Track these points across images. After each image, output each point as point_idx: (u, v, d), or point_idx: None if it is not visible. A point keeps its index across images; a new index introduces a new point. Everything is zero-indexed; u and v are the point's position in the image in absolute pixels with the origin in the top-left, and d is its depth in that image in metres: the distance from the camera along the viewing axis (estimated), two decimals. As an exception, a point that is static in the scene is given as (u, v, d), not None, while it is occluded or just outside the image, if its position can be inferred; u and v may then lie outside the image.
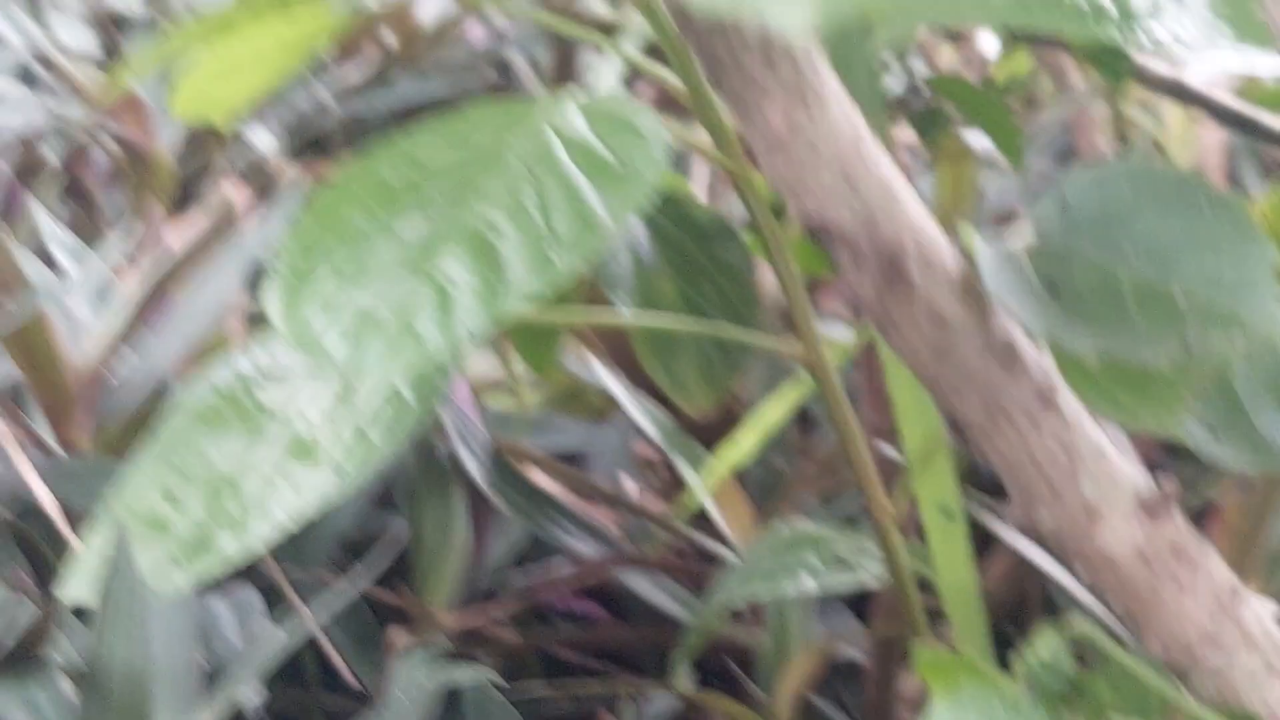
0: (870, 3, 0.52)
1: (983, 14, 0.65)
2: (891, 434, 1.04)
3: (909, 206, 0.51)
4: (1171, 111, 1.44)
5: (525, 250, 0.66)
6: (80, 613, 0.87)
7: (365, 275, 0.67)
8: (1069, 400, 0.54)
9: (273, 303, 0.66)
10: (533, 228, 0.66)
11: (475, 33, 1.73)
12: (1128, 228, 0.54)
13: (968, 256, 0.53)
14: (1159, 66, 1.19)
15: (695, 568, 1.05)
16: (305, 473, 0.77)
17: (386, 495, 1.12)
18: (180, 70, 1.42)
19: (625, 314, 0.91)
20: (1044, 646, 0.62)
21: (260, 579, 0.97)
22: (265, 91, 0.92)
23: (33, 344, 0.90)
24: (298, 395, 0.80)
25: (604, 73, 1.62)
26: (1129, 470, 0.54)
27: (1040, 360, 0.53)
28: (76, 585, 0.77)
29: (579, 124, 0.73)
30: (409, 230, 0.68)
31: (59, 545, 0.92)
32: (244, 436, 0.79)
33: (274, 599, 0.95)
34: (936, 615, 0.96)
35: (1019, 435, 0.53)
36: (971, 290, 0.52)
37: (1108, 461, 0.54)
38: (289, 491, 0.76)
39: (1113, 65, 0.89)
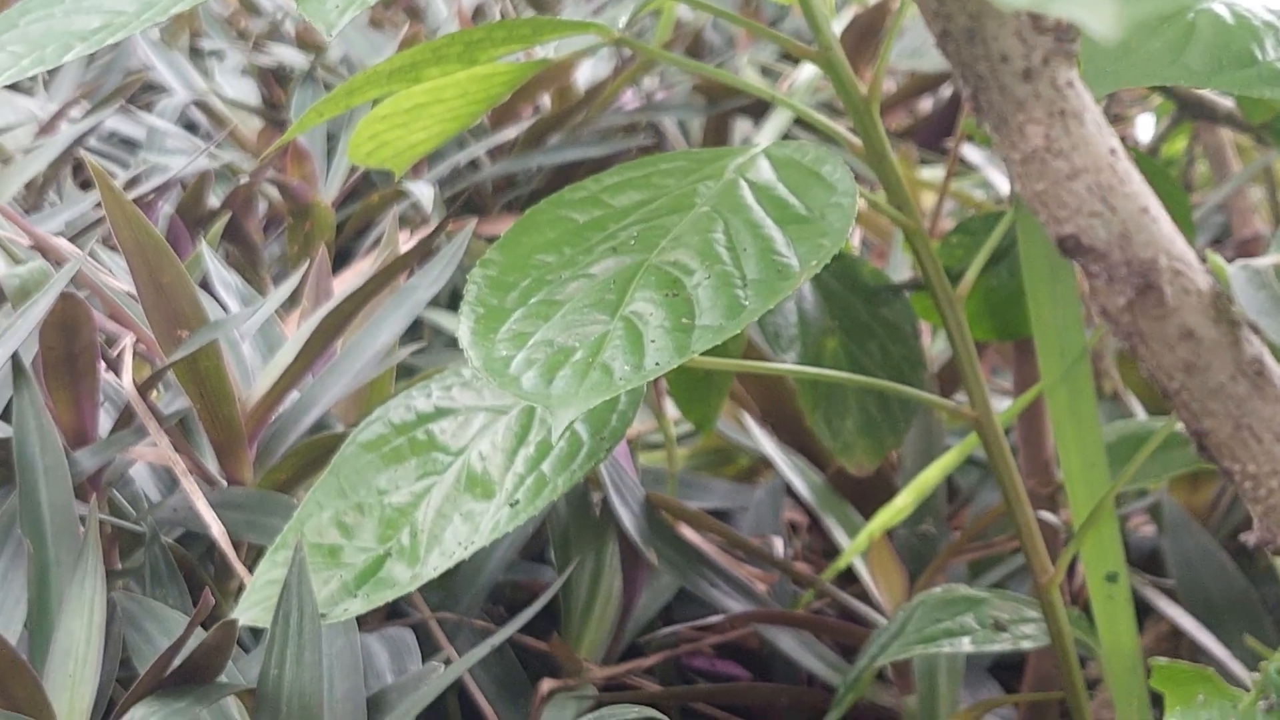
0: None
1: (1185, 76, 0.65)
2: (1050, 500, 1.04)
3: (1162, 224, 0.51)
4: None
5: (714, 290, 0.66)
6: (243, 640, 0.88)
7: (555, 310, 0.67)
8: (1314, 421, 0.54)
9: (465, 334, 0.67)
10: (722, 269, 0.67)
11: (628, 98, 1.74)
12: None
13: (1217, 276, 0.53)
14: (1327, 146, 1.19)
15: (843, 629, 1.04)
16: (477, 505, 0.78)
17: (535, 545, 1.13)
18: (349, 120, 1.44)
19: (800, 369, 0.92)
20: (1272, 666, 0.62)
21: (413, 621, 0.98)
22: (442, 140, 0.93)
23: (206, 377, 0.91)
24: (473, 431, 0.81)
25: (762, 140, 1.63)
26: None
27: (1289, 379, 0.54)
28: (251, 610, 0.78)
29: (767, 171, 0.74)
30: (599, 268, 0.69)
31: (224, 572, 0.94)
32: (418, 470, 0.81)
33: (425, 641, 0.95)
34: (1092, 684, 0.96)
35: (1265, 452, 0.53)
36: (1223, 309, 0.52)
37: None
38: (460, 522, 0.77)
39: (1292, 139, 0.89)
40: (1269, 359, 0.53)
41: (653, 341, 0.65)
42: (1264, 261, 0.55)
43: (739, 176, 0.74)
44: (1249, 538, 0.55)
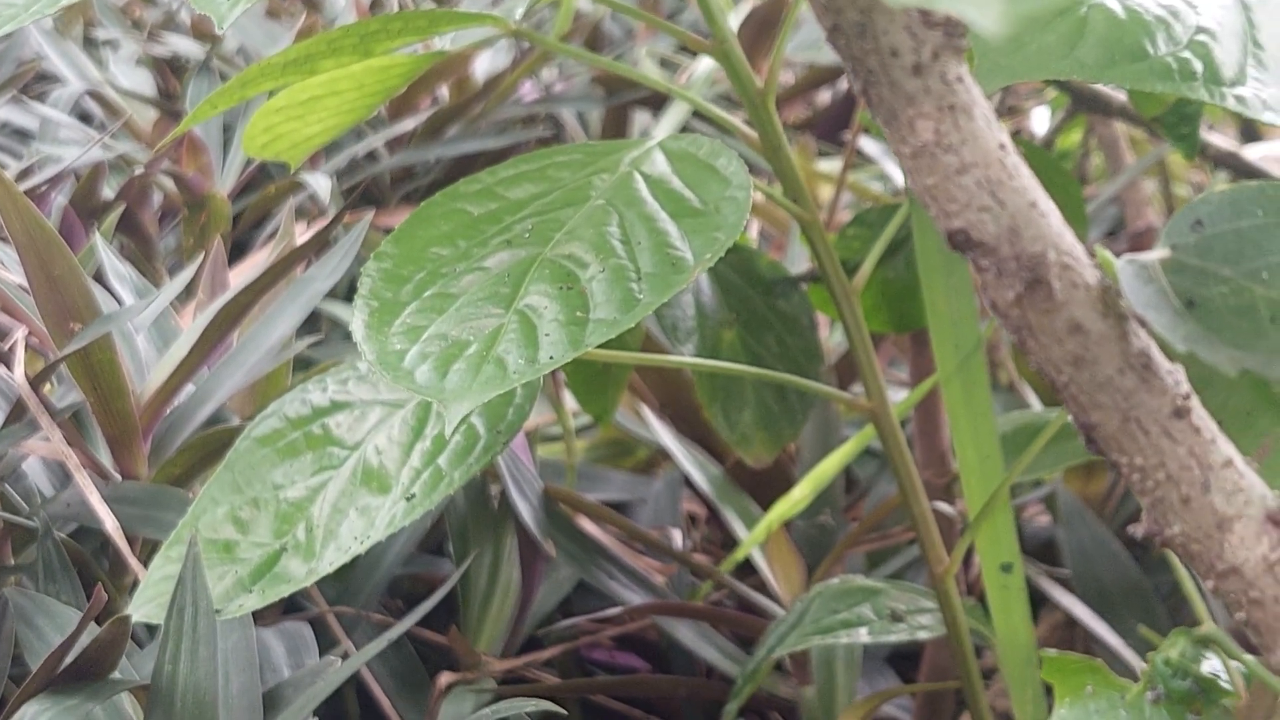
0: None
1: (1078, 70, 0.66)
2: (946, 491, 1.05)
3: (1050, 218, 0.51)
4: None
5: (609, 284, 0.66)
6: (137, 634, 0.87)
7: (450, 303, 0.67)
8: (1201, 412, 0.55)
9: (358, 328, 0.67)
10: (617, 262, 0.67)
11: (527, 89, 1.74)
12: (1261, 247, 0.55)
13: (1105, 270, 0.53)
14: (1217, 141, 1.20)
15: (741, 620, 1.05)
16: (373, 499, 0.77)
17: (433, 538, 1.13)
18: (245, 111, 1.43)
19: (698, 361, 0.92)
20: (1171, 647, 0.62)
21: (310, 615, 0.97)
22: (338, 133, 0.93)
23: (100, 371, 0.90)
24: (369, 425, 0.81)
25: (659, 132, 1.63)
26: (1258, 482, 0.55)
27: (1174, 371, 0.54)
28: (145, 606, 0.78)
29: (662, 164, 0.74)
30: (493, 261, 0.69)
31: (118, 568, 0.93)
32: (314, 464, 0.80)
33: (322, 635, 0.95)
34: (988, 673, 0.96)
35: (1153, 445, 0.54)
36: (1111, 303, 0.52)
37: (1237, 473, 0.55)
38: (357, 517, 0.77)
39: (1186, 135, 0.90)
40: (1155, 352, 0.54)
41: (547, 335, 0.65)
42: (1151, 256, 0.55)
43: (634, 170, 0.74)
44: (1137, 529, 0.56)
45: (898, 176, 1.49)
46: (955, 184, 0.50)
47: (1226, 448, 0.55)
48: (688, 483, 1.18)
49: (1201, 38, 0.68)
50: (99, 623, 0.78)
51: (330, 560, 0.76)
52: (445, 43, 0.95)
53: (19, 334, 0.96)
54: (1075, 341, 0.52)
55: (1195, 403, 0.54)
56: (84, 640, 0.75)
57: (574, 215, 0.71)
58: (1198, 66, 0.67)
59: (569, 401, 1.17)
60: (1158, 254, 0.56)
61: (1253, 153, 1.24)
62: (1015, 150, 0.51)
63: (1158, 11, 0.68)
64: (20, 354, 0.95)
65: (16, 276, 1.01)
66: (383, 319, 0.67)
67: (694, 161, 0.74)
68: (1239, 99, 0.66)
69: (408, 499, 0.76)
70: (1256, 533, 0.54)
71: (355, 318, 0.68)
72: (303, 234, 1.20)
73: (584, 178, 0.74)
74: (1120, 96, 1.11)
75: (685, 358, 0.94)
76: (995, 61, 0.69)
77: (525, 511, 0.98)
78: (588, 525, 1.07)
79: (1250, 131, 1.65)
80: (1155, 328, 0.52)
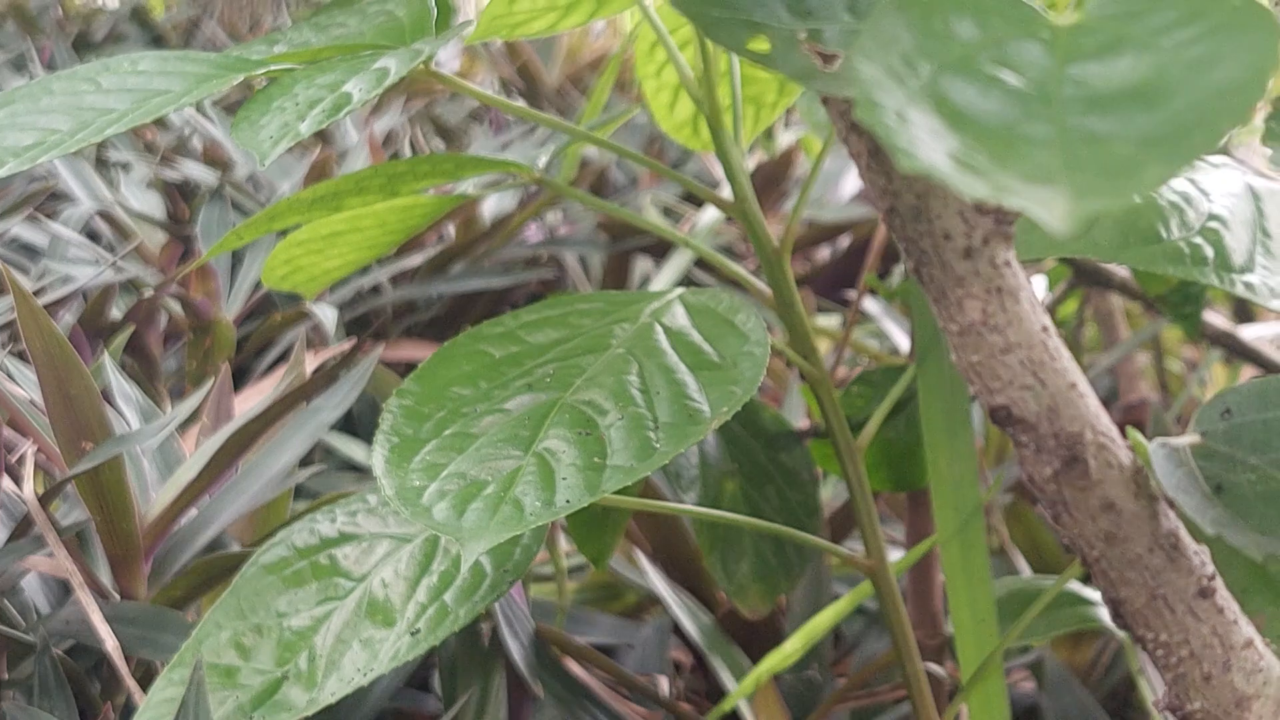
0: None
1: (1092, 250, 0.68)
2: (937, 652, 1.06)
3: (1089, 399, 0.53)
4: (1216, 369, 1.47)
5: (626, 432, 0.68)
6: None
7: (470, 442, 0.68)
8: (1224, 593, 0.56)
9: (379, 462, 0.68)
10: (635, 411, 0.68)
11: (532, 231, 1.76)
12: None
13: (1138, 452, 0.55)
14: (1214, 320, 1.22)
15: (726, 771, 1.05)
16: (378, 632, 0.78)
17: (421, 673, 1.13)
18: (256, 242, 1.45)
19: (700, 510, 0.93)
20: None
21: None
22: (355, 267, 0.94)
23: (108, 491, 0.91)
24: (376, 557, 0.82)
25: (661, 280, 1.65)
26: (1276, 663, 0.56)
27: (1201, 553, 0.56)
28: (145, 727, 0.78)
29: (682, 316, 0.75)
30: (514, 404, 0.70)
31: (111, 687, 0.93)
32: (319, 594, 0.81)
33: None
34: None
35: (1178, 622, 0.55)
36: (1143, 484, 0.54)
37: (1257, 653, 0.56)
38: (360, 649, 0.77)
39: (1189, 314, 0.92)
40: (1183, 533, 0.55)
41: (564, 479, 0.66)
42: (1182, 441, 0.57)
43: (655, 320, 0.75)
44: (1158, 702, 0.57)
45: (897, 336, 1.51)
46: (1000, 362, 0.52)
47: (1247, 629, 0.56)
48: (676, 630, 1.18)
49: (1213, 224, 0.70)
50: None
51: (332, 691, 0.76)
52: (467, 186, 0.96)
53: (28, 449, 0.97)
54: (1108, 519, 0.54)
55: (1219, 583, 0.56)
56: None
57: (595, 362, 0.73)
58: (1209, 252, 0.68)
59: (562, 542, 1.18)
60: (1188, 439, 0.57)
61: (1248, 333, 1.27)
62: (1056, 333, 0.53)
63: (1172, 197, 0.70)
64: (29, 470, 0.96)
65: (26, 391, 1.02)
66: (403, 455, 0.69)
67: (713, 315, 0.76)
68: (1248, 285, 0.68)
69: (412, 633, 0.76)
70: (1274, 712, 0.56)
71: (375, 452, 0.69)
72: (308, 363, 1.21)
73: (605, 326, 0.75)
74: (1121, 272, 1.13)
75: (688, 506, 0.96)
76: (1031, 240, 0.70)
77: (516, 651, 0.99)
78: (575, 668, 1.08)
79: (1244, 311, 1.68)
80: (1185, 510, 0.53)
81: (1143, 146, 0.33)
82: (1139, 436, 0.55)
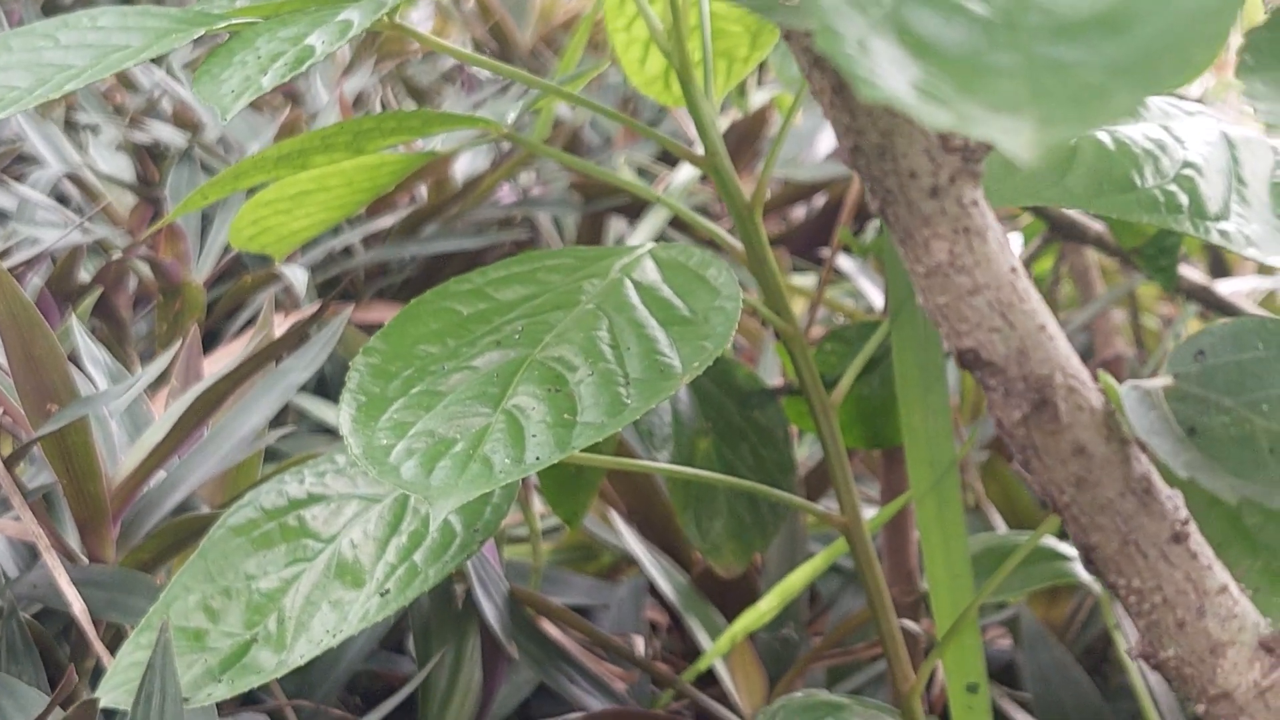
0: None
1: (1066, 199, 0.67)
2: (912, 609, 1.05)
3: (1058, 342, 0.52)
4: (1191, 324, 1.47)
5: (597, 388, 0.67)
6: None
7: (437, 400, 0.68)
8: (1198, 538, 0.55)
9: (345, 421, 0.67)
10: (605, 367, 0.68)
11: (504, 192, 1.75)
12: (1261, 380, 0.55)
13: (1109, 396, 0.54)
14: (1191, 275, 1.22)
15: (702, 730, 1.04)
16: (347, 593, 0.77)
17: (394, 635, 1.12)
18: (224, 200, 1.43)
19: (673, 468, 0.92)
20: None
21: (268, 708, 0.97)
22: (324, 228, 0.93)
23: (74, 453, 0.90)
24: (345, 518, 0.81)
25: (635, 239, 1.64)
26: (1251, 609, 0.56)
27: (1174, 497, 0.55)
28: (113, 691, 0.77)
29: (652, 271, 0.74)
30: (482, 361, 0.70)
31: (81, 651, 0.92)
32: (288, 556, 0.80)
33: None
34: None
35: (1151, 568, 0.54)
36: (1114, 427, 0.53)
37: (1231, 599, 0.55)
38: (329, 610, 0.77)
39: (1165, 267, 0.91)
40: (1156, 478, 0.55)
41: (534, 436, 0.65)
42: (1155, 383, 0.56)
43: (624, 276, 0.75)
44: (1132, 650, 0.56)
45: (872, 293, 1.50)
46: (967, 304, 0.51)
47: (1222, 574, 0.56)
48: (651, 590, 1.18)
49: (1188, 172, 0.69)
50: (64, 706, 0.78)
51: (301, 653, 0.76)
52: (435, 143, 0.95)
53: (-7, 412, 0.96)
54: (1079, 463, 0.53)
55: (1193, 528, 0.55)
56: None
57: (564, 319, 0.72)
58: (1184, 200, 0.68)
59: (536, 503, 1.18)
60: (1161, 381, 0.56)
61: (1224, 287, 1.26)
62: (1025, 274, 0.52)
63: (1146, 145, 0.69)
64: (-6, 432, 0.95)
65: (-9, 356, 1.01)
66: (370, 413, 0.68)
67: (684, 270, 0.75)
68: (1223, 233, 0.67)
69: (382, 594, 0.76)
70: (1249, 659, 0.55)
71: (342, 411, 0.68)
72: (279, 325, 1.20)
73: (574, 282, 0.75)
74: (1096, 226, 1.12)
75: (661, 464, 0.95)
76: (986, 186, 0.69)
77: (490, 612, 0.98)
78: (550, 629, 1.07)
79: (1219, 266, 1.67)
80: (1157, 453, 0.53)
81: (1111, 74, 0.32)
82: (1110, 380, 0.54)
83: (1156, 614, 0.55)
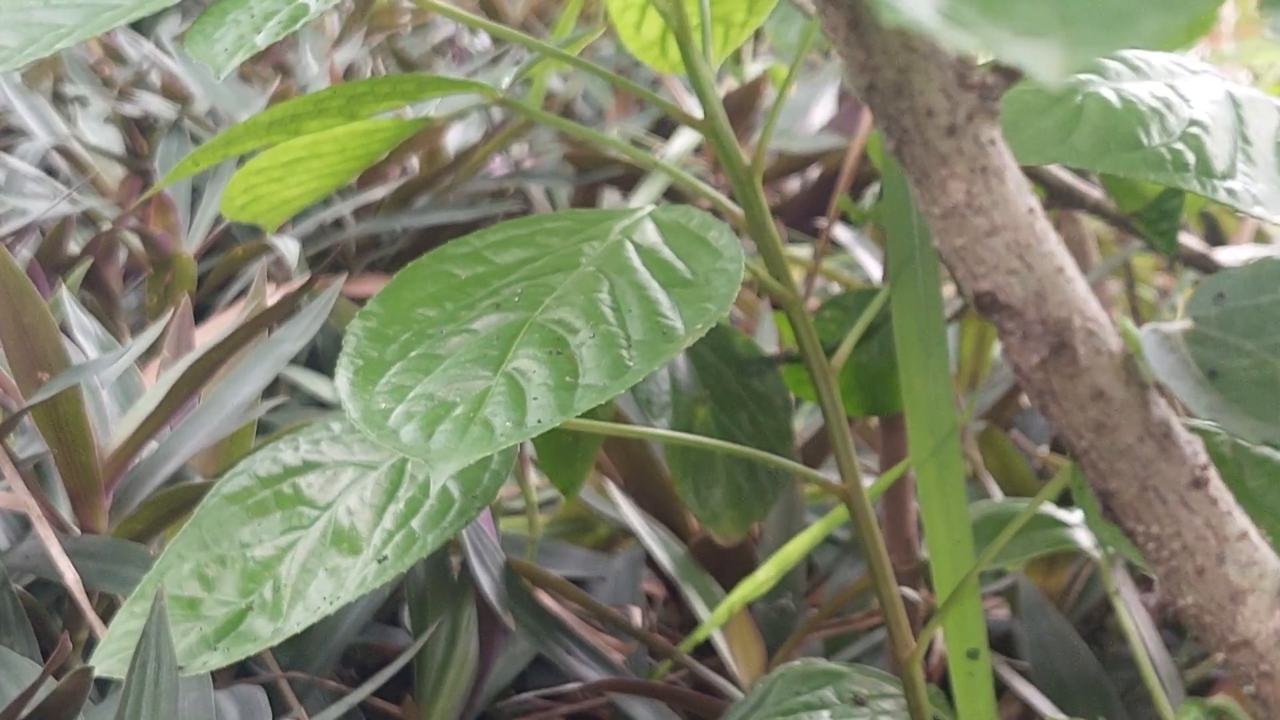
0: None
1: (1072, 157, 0.66)
2: (910, 577, 1.05)
3: (1076, 284, 0.51)
4: (1187, 294, 1.46)
5: (598, 350, 0.66)
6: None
7: (436, 364, 0.67)
8: (1218, 483, 0.55)
9: (343, 385, 0.66)
10: (607, 329, 0.67)
11: (497, 164, 1.74)
12: None
13: (1127, 340, 0.53)
14: (1189, 243, 1.21)
15: (698, 700, 1.04)
16: (343, 560, 0.76)
17: (389, 608, 1.12)
18: (215, 172, 1.42)
19: (672, 434, 0.91)
20: (1184, 716, 0.62)
21: (263, 679, 0.96)
22: (317, 197, 0.92)
23: (65, 423, 0.90)
24: (341, 485, 0.80)
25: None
26: (1271, 556, 0.55)
27: (1193, 442, 0.54)
28: (107, 661, 0.76)
29: (652, 233, 0.74)
30: (481, 324, 0.69)
31: (74, 621, 0.91)
32: (283, 523, 0.79)
33: (276, 700, 0.94)
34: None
35: (1170, 514, 0.53)
36: (1133, 371, 0.52)
37: (1252, 545, 0.55)
38: (326, 578, 0.76)
39: (1165, 231, 0.90)
40: (1175, 422, 0.54)
41: (535, 399, 0.64)
42: (1174, 326, 0.55)
43: (625, 238, 0.74)
44: (1149, 599, 0.56)
45: (869, 264, 1.49)
46: (984, 246, 0.50)
47: (1242, 520, 0.55)
48: (648, 562, 1.17)
49: (1194, 130, 0.68)
50: (57, 676, 0.77)
51: (298, 620, 0.75)
52: (429, 109, 0.94)
53: (-16, 382, 0.95)
54: (1097, 408, 0.52)
55: (1213, 474, 0.54)
56: (43, 693, 0.74)
57: (564, 281, 0.71)
58: (1190, 158, 0.67)
59: (532, 476, 1.17)
60: (1180, 325, 0.56)
61: (1222, 255, 1.26)
62: (1043, 215, 0.51)
63: (1152, 103, 0.69)
64: (-16, 402, 0.94)
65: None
66: (367, 377, 0.67)
67: (685, 233, 0.74)
68: (1230, 192, 0.66)
69: (379, 561, 0.75)
70: (1269, 606, 0.54)
71: (339, 375, 0.67)
72: (271, 296, 1.19)
73: (574, 244, 0.74)
74: (1095, 193, 1.11)
75: (659, 430, 0.94)
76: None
77: (486, 583, 0.97)
78: (547, 600, 1.06)
79: (1215, 235, 1.67)
80: (1178, 396, 0.52)
81: None
82: (1128, 323, 0.53)
83: (1175, 560, 0.54)
